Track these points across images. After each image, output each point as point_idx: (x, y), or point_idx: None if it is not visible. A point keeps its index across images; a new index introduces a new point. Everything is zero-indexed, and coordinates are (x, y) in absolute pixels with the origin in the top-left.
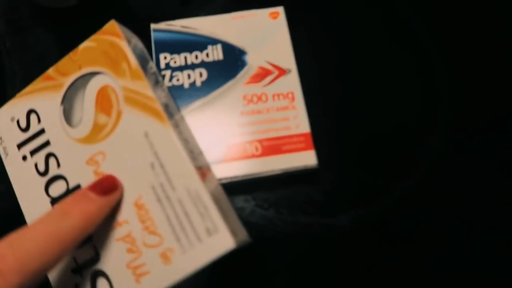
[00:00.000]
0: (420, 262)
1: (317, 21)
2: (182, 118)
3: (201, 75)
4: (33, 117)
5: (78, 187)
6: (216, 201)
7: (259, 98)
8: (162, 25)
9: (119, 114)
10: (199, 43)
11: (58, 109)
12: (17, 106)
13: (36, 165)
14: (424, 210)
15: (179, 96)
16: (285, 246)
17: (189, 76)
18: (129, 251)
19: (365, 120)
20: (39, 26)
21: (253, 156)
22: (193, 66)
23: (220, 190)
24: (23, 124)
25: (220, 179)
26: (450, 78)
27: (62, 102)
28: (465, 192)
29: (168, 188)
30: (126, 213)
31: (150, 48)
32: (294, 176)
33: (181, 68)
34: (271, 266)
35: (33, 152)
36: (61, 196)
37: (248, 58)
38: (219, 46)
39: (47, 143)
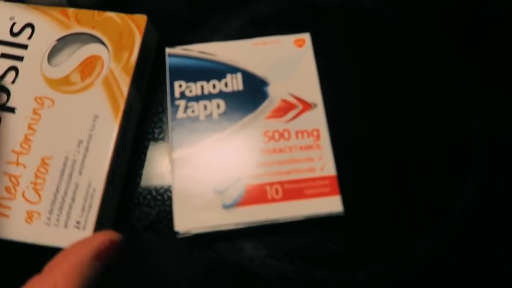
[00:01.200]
0: None
1: (344, 51)
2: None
3: (218, 106)
4: (27, 30)
5: (12, 109)
6: (106, 203)
7: (281, 135)
8: (178, 50)
9: (90, 85)
10: (218, 71)
11: (51, 42)
12: (24, 11)
13: None
14: (446, 271)
15: (194, 129)
16: None
17: (205, 107)
18: (7, 189)
19: (395, 165)
20: None
21: (273, 200)
22: (210, 97)
23: (118, 193)
24: (16, 29)
25: (237, 224)
26: (484, 123)
27: (59, 40)
28: (491, 256)
29: (77, 169)
30: (29, 160)
31: (165, 74)
32: (311, 222)
33: (197, 98)
34: None
35: (4, 55)
36: None
37: (270, 89)
38: (239, 75)
39: (20, 58)
